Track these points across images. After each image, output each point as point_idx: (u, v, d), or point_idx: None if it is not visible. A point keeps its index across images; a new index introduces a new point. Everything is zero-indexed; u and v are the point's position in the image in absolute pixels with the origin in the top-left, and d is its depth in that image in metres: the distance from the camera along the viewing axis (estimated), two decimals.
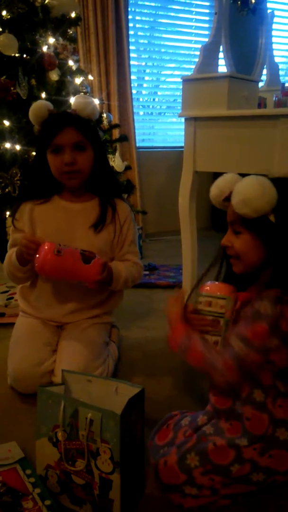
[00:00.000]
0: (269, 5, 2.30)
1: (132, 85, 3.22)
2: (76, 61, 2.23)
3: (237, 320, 0.93)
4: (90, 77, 2.54)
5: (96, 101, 2.37)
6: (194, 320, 0.97)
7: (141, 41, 3.46)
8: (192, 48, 3.59)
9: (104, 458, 0.89)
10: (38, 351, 1.38)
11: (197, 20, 3.56)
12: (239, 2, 1.98)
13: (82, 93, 2.14)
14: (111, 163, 2.28)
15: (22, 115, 1.84)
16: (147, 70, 3.68)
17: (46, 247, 1.24)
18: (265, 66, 2.27)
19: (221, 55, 1.92)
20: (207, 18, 3.58)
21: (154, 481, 0.98)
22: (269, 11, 2.21)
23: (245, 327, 0.86)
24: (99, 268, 1.28)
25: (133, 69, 3.28)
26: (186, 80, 1.80)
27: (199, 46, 1.84)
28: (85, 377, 1.06)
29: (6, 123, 1.84)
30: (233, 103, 1.71)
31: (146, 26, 3.47)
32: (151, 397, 1.28)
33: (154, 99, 3.77)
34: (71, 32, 2.17)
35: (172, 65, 3.66)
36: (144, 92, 3.67)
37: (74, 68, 2.17)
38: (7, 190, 1.85)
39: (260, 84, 2.14)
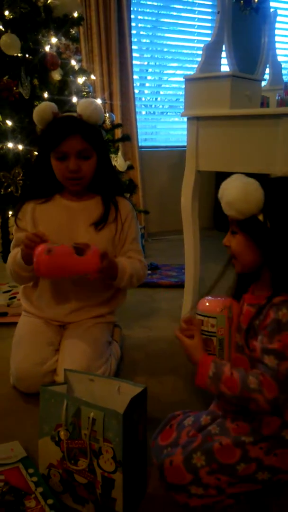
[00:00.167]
0: (272, 4, 2.29)
1: (134, 84, 3.22)
2: (79, 61, 2.23)
3: (249, 331, 0.92)
4: (93, 77, 2.54)
5: (99, 101, 2.37)
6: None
7: (144, 40, 3.46)
8: (195, 47, 3.59)
9: (107, 457, 0.89)
10: (41, 350, 1.39)
11: (199, 20, 3.56)
12: (241, 1, 1.97)
13: (87, 97, 2.14)
14: (114, 163, 2.28)
15: (24, 115, 1.85)
16: (150, 70, 3.68)
17: (39, 249, 1.23)
18: (268, 65, 2.26)
19: (223, 54, 1.92)
20: (209, 17, 3.58)
21: (158, 480, 0.98)
22: (272, 10, 2.20)
23: (270, 340, 0.85)
24: (96, 257, 1.26)
25: (135, 69, 3.28)
26: (188, 80, 1.80)
27: (202, 45, 1.83)
28: (88, 377, 1.06)
29: (9, 123, 1.84)
30: (235, 102, 1.71)
31: (149, 26, 3.47)
32: (153, 397, 1.28)
33: (156, 99, 3.77)
34: (73, 32, 2.17)
35: (175, 64, 3.66)
36: (146, 91, 3.67)
37: (76, 68, 2.17)
38: (9, 189, 1.86)
39: (263, 83, 2.13)
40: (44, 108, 1.37)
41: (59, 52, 2.05)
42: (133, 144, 3.25)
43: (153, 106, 3.76)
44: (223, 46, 1.91)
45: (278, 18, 2.25)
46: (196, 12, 3.53)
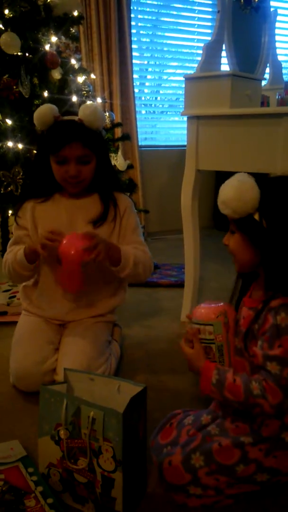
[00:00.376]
0: (272, 3, 2.29)
1: (134, 84, 3.22)
2: (79, 60, 2.22)
3: (248, 334, 0.92)
4: (93, 76, 2.54)
5: (99, 100, 2.37)
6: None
7: (144, 39, 3.45)
8: (195, 46, 3.59)
9: (106, 456, 0.89)
10: (41, 349, 1.38)
11: (199, 19, 3.56)
12: (242, 0, 1.97)
13: (87, 96, 2.14)
14: (113, 162, 2.28)
15: (24, 114, 1.84)
16: (150, 69, 3.68)
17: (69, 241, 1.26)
18: (268, 65, 2.26)
19: (223, 53, 1.92)
20: (209, 16, 3.57)
21: (158, 480, 0.98)
22: (272, 9, 2.20)
23: (270, 346, 0.86)
24: (75, 243, 1.24)
25: (135, 68, 3.27)
26: (188, 79, 1.80)
27: (202, 44, 1.83)
28: (88, 376, 1.06)
29: (9, 121, 1.84)
30: (236, 101, 1.71)
31: (149, 25, 3.47)
32: (153, 396, 1.28)
33: (156, 98, 3.77)
34: (73, 30, 2.17)
35: (175, 63, 3.66)
36: (146, 90, 3.66)
37: (76, 66, 2.17)
38: (9, 188, 1.85)
39: (263, 83, 2.13)
40: (45, 111, 1.35)
41: (59, 51, 2.05)
42: (133, 144, 3.25)
43: (153, 105, 3.75)
44: (223, 45, 1.91)
45: (278, 18, 2.25)
46: (196, 11, 3.53)
